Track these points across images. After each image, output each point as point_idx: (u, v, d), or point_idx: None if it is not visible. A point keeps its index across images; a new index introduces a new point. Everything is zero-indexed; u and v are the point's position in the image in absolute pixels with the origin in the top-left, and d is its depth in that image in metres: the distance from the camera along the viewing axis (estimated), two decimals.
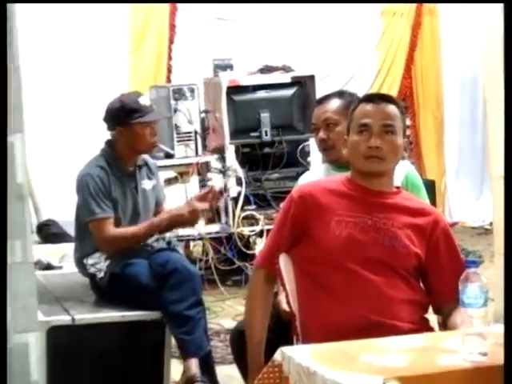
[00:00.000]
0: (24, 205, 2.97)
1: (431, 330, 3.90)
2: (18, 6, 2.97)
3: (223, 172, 8.24)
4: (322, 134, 4.70)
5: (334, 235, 3.88)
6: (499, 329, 3.33)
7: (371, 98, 4.09)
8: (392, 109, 3.95)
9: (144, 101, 5.76)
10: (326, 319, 3.84)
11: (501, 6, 7.06)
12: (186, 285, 5.33)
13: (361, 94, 5.27)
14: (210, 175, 8.26)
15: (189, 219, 5.53)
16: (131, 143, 5.60)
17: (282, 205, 4.67)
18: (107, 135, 5.92)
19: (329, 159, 4.80)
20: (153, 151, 5.86)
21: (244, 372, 4.61)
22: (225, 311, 7.17)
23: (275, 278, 4.07)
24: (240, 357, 4.66)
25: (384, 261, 3.86)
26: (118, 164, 5.57)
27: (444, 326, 3.85)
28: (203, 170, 8.26)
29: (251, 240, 8.11)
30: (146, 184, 5.69)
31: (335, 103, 4.75)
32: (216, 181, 8.25)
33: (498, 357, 3.03)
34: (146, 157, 5.88)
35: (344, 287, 3.86)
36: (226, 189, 8.21)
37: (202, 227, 7.95)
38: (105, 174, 5.47)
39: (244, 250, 8.03)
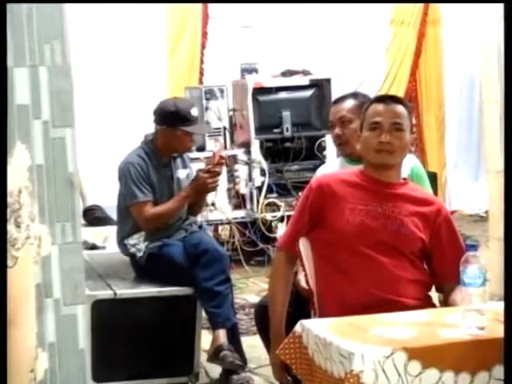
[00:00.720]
0: (73, 191, 2.96)
1: (434, 306, 3.90)
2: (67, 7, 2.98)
3: (249, 164, 8.25)
4: (337, 131, 4.71)
5: (348, 221, 3.89)
6: (495, 305, 3.34)
7: (382, 99, 4.11)
8: (401, 109, 3.97)
9: (194, 112, 5.77)
10: (340, 296, 3.84)
11: (498, 15, 7.08)
12: (215, 264, 5.35)
13: (372, 95, 5.30)
14: (236, 167, 8.27)
15: (206, 183, 5.54)
16: (171, 143, 5.64)
17: (301, 193, 4.68)
18: (145, 130, 5.95)
19: (343, 153, 4.81)
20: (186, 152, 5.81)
21: (266, 342, 4.60)
22: (249, 287, 7.17)
23: (295, 259, 4.07)
24: (263, 328, 4.66)
25: (392, 245, 3.87)
26: (155, 155, 5.59)
27: (445, 303, 3.85)
28: (231, 161, 8.25)
29: (273, 225, 8.10)
30: (180, 173, 5.72)
31: (350, 103, 4.76)
32: (241, 171, 8.28)
33: (494, 330, 3.04)
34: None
35: (356, 268, 3.87)
36: (251, 179, 8.22)
37: (229, 213, 7.98)
38: (144, 163, 5.50)
39: (267, 233, 8.04)
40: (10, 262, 1.57)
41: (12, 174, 1.53)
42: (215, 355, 5.32)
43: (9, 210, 1.56)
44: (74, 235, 2.96)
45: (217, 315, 5.34)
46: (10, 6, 2.87)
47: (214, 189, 5.80)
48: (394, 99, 4.08)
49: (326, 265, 3.98)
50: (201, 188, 5.58)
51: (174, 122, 5.55)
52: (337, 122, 4.73)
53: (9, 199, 1.54)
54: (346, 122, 4.68)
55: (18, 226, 1.58)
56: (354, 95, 4.96)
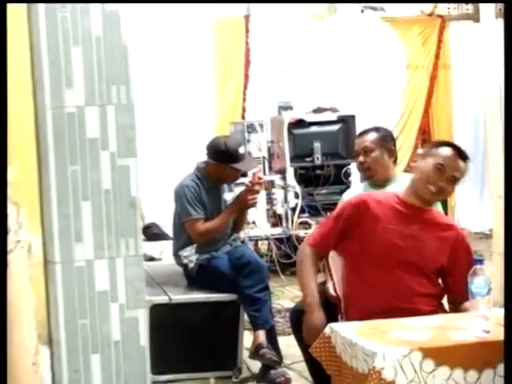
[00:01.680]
0: (136, 212, 2.99)
1: (446, 312, 3.88)
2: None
3: (284, 188, 8.24)
4: (361, 158, 4.74)
5: (380, 239, 3.85)
6: (499, 312, 3.32)
7: (456, 149, 3.96)
8: (463, 166, 3.92)
9: (242, 151, 5.79)
10: (364, 304, 3.83)
11: (499, 61, 7.07)
12: (256, 274, 5.36)
13: (390, 129, 5.35)
14: (274, 190, 8.28)
15: (247, 200, 5.56)
16: (221, 176, 5.65)
17: (339, 205, 4.65)
18: (195, 158, 5.99)
19: (365, 177, 4.85)
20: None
21: (300, 341, 4.60)
22: (284, 294, 7.14)
23: (319, 257, 4.06)
24: (297, 330, 4.65)
25: (414, 263, 3.83)
26: (206, 180, 5.61)
27: (455, 310, 3.81)
28: (269, 186, 8.28)
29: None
30: (227, 196, 5.75)
31: (372, 136, 4.79)
32: (278, 194, 8.31)
33: (498, 334, 3.01)
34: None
35: (380, 280, 3.84)
36: (286, 201, 8.22)
37: (267, 230, 7.99)
38: (197, 186, 5.54)
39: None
40: (16, 258, 1.57)
41: None
42: (256, 353, 5.33)
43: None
44: (136, 249, 2.98)
45: (257, 318, 5.35)
46: (82, 51, 2.91)
47: (253, 205, 5.80)
48: (464, 155, 3.98)
49: (354, 274, 3.95)
50: (242, 204, 5.59)
51: (224, 159, 5.55)
52: (361, 151, 4.75)
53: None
54: (369, 151, 4.71)
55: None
56: (376, 129, 5.00)
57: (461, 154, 3.93)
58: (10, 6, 3.02)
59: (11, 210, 1.58)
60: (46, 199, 2.83)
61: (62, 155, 2.89)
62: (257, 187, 5.68)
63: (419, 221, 3.90)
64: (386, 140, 4.80)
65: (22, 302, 1.70)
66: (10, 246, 1.55)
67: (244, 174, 5.89)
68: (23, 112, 3.01)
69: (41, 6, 2.86)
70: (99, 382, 2.89)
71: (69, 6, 2.87)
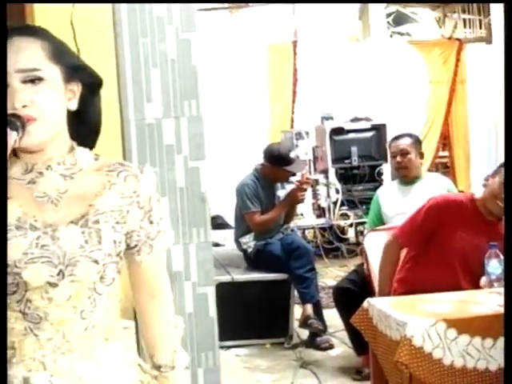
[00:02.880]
0: (205, 206, 3.00)
1: None
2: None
3: (327, 185, 8.23)
4: (398, 159, 4.72)
5: (452, 245, 3.65)
6: None
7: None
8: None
9: (292, 155, 5.85)
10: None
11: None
12: (304, 257, 5.38)
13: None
14: (318, 187, 8.28)
15: (297, 196, 5.58)
16: (275, 177, 5.72)
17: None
18: (252, 160, 6.04)
19: (401, 175, 4.79)
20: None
21: (341, 313, 4.62)
22: (328, 274, 7.13)
23: (401, 249, 3.84)
24: (339, 304, 4.69)
25: (472, 267, 3.59)
26: (263, 180, 5.65)
27: None
28: (314, 184, 8.27)
29: (345, 229, 8.10)
30: (280, 192, 5.80)
31: (407, 140, 4.80)
32: (322, 190, 8.31)
33: None
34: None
35: (440, 279, 3.61)
36: (328, 196, 8.21)
37: (313, 220, 7.99)
38: (255, 184, 5.61)
39: (340, 235, 8.02)
40: (149, 251, 1.60)
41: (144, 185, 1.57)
42: (304, 323, 5.36)
43: (143, 211, 1.59)
44: (206, 236, 2.99)
45: (305, 294, 5.37)
46: (160, 72, 2.93)
47: (302, 201, 5.85)
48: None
49: (417, 266, 3.77)
50: (293, 200, 5.61)
51: (277, 162, 5.58)
52: (398, 153, 4.73)
53: (142, 203, 1.57)
54: (405, 153, 4.70)
55: (150, 222, 1.60)
56: (410, 135, 4.99)
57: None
58: (99, 34, 3.05)
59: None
60: None
61: (144, 159, 2.90)
62: (305, 186, 5.71)
63: (488, 233, 3.58)
64: (417, 144, 4.84)
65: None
66: (152, 234, 1.61)
67: (294, 174, 5.90)
68: (111, 123, 3.01)
69: (125, 34, 2.89)
70: None
71: (149, 34, 2.89)
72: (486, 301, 3.05)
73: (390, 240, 3.84)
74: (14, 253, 1.45)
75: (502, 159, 6.81)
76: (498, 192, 3.50)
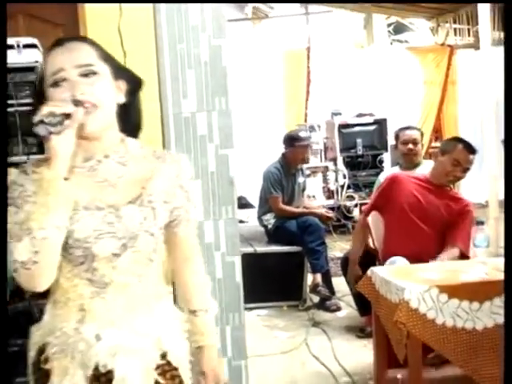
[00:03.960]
0: (233, 188, 3.00)
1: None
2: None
3: (335, 171, 8.24)
4: (410, 146, 4.77)
5: (408, 201, 3.88)
6: (494, 260, 3.28)
7: (467, 145, 3.90)
8: (473, 158, 3.92)
9: (302, 134, 5.94)
10: (395, 250, 3.80)
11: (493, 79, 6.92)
12: (316, 232, 5.39)
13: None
14: (328, 173, 8.28)
15: (320, 217, 5.64)
16: (294, 157, 5.70)
17: (379, 183, 4.74)
18: (273, 149, 6.03)
19: (408, 161, 4.81)
20: (303, 164, 5.87)
21: (346, 280, 4.62)
22: (336, 247, 7.10)
23: (367, 222, 4.14)
24: (345, 272, 4.67)
25: (431, 218, 3.86)
26: (286, 167, 5.67)
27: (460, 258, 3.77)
28: (325, 170, 8.27)
29: (350, 209, 8.07)
30: (300, 180, 5.81)
31: (417, 132, 4.93)
32: (331, 176, 8.29)
33: (494, 275, 2.99)
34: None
35: (408, 233, 3.84)
36: (337, 180, 8.21)
37: (323, 201, 7.98)
38: (278, 172, 5.63)
39: (346, 214, 8.00)
40: (187, 224, 1.66)
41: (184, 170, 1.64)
42: (314, 289, 5.39)
43: (183, 191, 1.64)
44: (233, 214, 3.00)
45: (316, 264, 5.38)
46: (194, 72, 2.93)
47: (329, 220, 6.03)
48: (473, 150, 3.93)
49: (389, 230, 3.99)
50: (316, 216, 5.64)
51: (292, 142, 5.65)
52: (411, 141, 4.78)
53: (183, 185, 1.63)
54: (417, 142, 4.79)
55: (188, 200, 1.67)
56: (416, 128, 5.13)
57: (470, 149, 3.87)
58: (143, 40, 3.04)
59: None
60: None
61: (181, 147, 2.92)
62: (327, 221, 5.92)
63: (436, 194, 3.90)
64: (421, 136, 4.91)
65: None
66: (189, 210, 1.68)
67: (307, 146, 5.89)
68: (153, 117, 3.03)
69: (165, 41, 2.89)
70: None
71: (185, 40, 2.90)
72: (473, 269, 3.04)
73: (361, 217, 4.27)
74: (83, 230, 1.47)
75: (486, 150, 6.79)
76: (449, 169, 3.79)
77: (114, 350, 1.51)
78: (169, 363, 1.57)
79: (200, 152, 2.93)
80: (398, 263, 3.64)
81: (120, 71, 1.58)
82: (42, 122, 1.36)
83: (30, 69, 3.70)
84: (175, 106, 2.91)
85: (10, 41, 3.73)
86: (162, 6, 2.89)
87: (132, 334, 1.53)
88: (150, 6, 2.94)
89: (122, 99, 1.57)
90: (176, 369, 1.59)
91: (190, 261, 1.73)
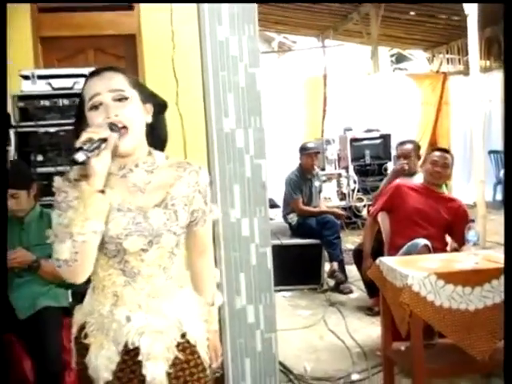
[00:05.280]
0: (265, 191, 2.99)
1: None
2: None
3: (347, 177, 8.18)
4: (402, 160, 4.64)
5: (409, 205, 3.85)
6: (483, 252, 3.23)
7: (440, 149, 4.05)
8: (448, 155, 3.89)
9: (310, 145, 5.90)
10: (400, 245, 3.76)
11: (481, 98, 6.83)
12: (333, 228, 5.39)
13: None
14: (341, 179, 8.22)
15: (334, 214, 5.63)
16: (305, 163, 5.70)
17: (381, 186, 4.79)
18: (295, 160, 6.00)
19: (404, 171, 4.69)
20: (313, 169, 5.79)
21: (358, 268, 4.59)
22: (348, 240, 7.01)
23: (376, 222, 4.06)
24: (356, 261, 4.66)
25: (431, 219, 3.82)
26: (302, 173, 5.66)
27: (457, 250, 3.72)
28: (338, 176, 8.23)
29: (359, 209, 8.00)
30: (316, 183, 5.78)
31: (410, 146, 4.74)
32: (343, 181, 8.22)
33: (484, 264, 2.94)
34: (317, 170, 6.00)
35: (410, 230, 3.79)
36: (348, 184, 8.15)
37: (337, 202, 7.93)
38: (297, 178, 5.63)
39: (357, 213, 7.94)
40: (203, 223, 1.65)
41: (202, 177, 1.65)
42: (331, 275, 5.36)
43: (201, 196, 1.62)
44: (265, 212, 2.99)
45: (333, 254, 5.36)
46: (233, 95, 2.92)
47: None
48: (446, 150, 4.00)
49: (395, 227, 3.94)
50: (330, 214, 5.63)
51: (301, 151, 5.72)
52: (403, 156, 4.67)
53: (201, 190, 1.61)
54: (408, 156, 4.63)
55: (206, 203, 1.65)
56: (411, 141, 4.95)
57: (444, 150, 4.01)
58: (191, 69, 3.06)
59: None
60: (213, 185, 2.86)
61: (222, 158, 2.91)
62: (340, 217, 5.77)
63: (433, 197, 3.88)
64: (416, 148, 4.73)
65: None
66: (206, 212, 1.66)
67: (323, 169, 5.89)
68: (199, 132, 3.06)
69: (210, 69, 2.88)
70: (244, 287, 2.93)
71: (226, 68, 2.88)
72: (466, 260, 2.99)
73: (369, 219, 4.22)
74: (116, 228, 1.48)
75: (474, 160, 6.69)
76: (431, 168, 3.86)
77: (141, 330, 1.50)
78: (188, 342, 1.56)
79: (238, 162, 2.92)
80: (420, 244, 3.61)
81: (147, 96, 1.57)
82: (81, 148, 1.35)
83: None
84: (218, 123, 2.90)
85: (82, 70, 3.78)
86: (208, 39, 2.88)
87: (156, 317, 1.52)
88: (197, 39, 2.94)
89: (150, 120, 1.56)
90: (194, 346, 1.57)
91: (204, 254, 1.69)
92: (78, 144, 1.36)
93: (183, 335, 1.55)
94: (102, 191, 1.40)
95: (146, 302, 1.52)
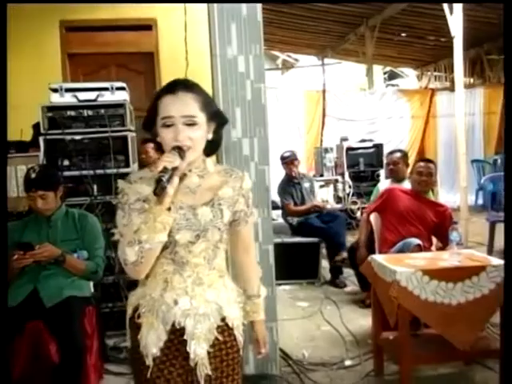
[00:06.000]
0: (268, 194, 3.00)
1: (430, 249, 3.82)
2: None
3: (343, 183, 8.14)
4: (392, 167, 4.63)
5: (400, 208, 3.84)
6: (466, 251, 3.22)
7: (425, 159, 4.11)
8: (432, 165, 3.90)
9: (286, 154, 5.76)
10: (390, 244, 3.77)
11: (464, 112, 6.80)
12: (336, 220, 5.42)
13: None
14: (338, 184, 8.19)
15: (315, 207, 5.52)
16: (286, 170, 5.67)
17: (375, 191, 4.79)
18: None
19: (393, 176, 4.67)
20: (295, 174, 5.67)
21: (353, 264, 4.57)
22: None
23: (370, 222, 4.08)
24: (351, 257, 4.64)
25: (419, 220, 3.81)
26: (289, 179, 5.64)
27: (442, 249, 3.71)
28: (335, 182, 8.19)
29: (354, 211, 7.94)
30: (305, 185, 5.72)
31: (399, 154, 4.71)
32: (340, 186, 8.19)
33: (465, 262, 2.93)
34: (303, 173, 5.96)
35: (399, 230, 3.79)
36: (344, 189, 8.10)
37: (334, 205, 7.88)
38: (285, 184, 5.61)
39: (351, 214, 7.88)
40: (245, 224, 1.64)
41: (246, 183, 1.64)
42: (342, 261, 5.19)
43: (244, 199, 1.63)
44: (268, 213, 3.00)
45: (342, 244, 5.25)
46: (240, 109, 2.91)
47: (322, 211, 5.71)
48: (430, 160, 4.03)
49: (385, 228, 3.93)
50: (316, 207, 5.55)
51: (281, 161, 5.71)
52: (391, 163, 4.65)
53: (244, 194, 1.63)
54: (396, 163, 4.61)
55: (248, 205, 1.66)
56: (400, 151, 4.91)
57: (427, 160, 4.02)
58: (203, 85, 3.07)
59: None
60: None
61: (229, 164, 2.90)
62: (317, 208, 5.59)
63: (420, 201, 3.87)
64: (404, 157, 4.71)
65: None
66: (248, 213, 1.65)
67: (321, 175, 5.82)
68: None
69: (220, 84, 2.89)
70: None
71: (234, 84, 2.89)
72: (449, 258, 2.99)
73: (364, 216, 4.21)
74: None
75: (458, 169, 6.66)
76: (417, 177, 3.87)
77: (187, 313, 1.54)
78: (226, 325, 1.59)
79: (244, 167, 2.92)
80: (413, 243, 3.61)
81: (213, 115, 1.57)
82: (161, 180, 1.38)
83: (120, 105, 3.74)
84: (226, 133, 2.89)
85: (106, 84, 3.80)
86: (218, 57, 2.88)
87: (200, 302, 1.55)
88: (208, 57, 2.95)
89: (210, 137, 1.57)
90: (232, 329, 1.60)
91: (248, 251, 1.71)
92: (157, 175, 1.39)
93: (223, 319, 1.58)
94: (169, 208, 1.45)
95: (191, 288, 1.55)
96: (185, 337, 1.54)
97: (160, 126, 1.51)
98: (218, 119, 1.60)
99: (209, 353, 1.56)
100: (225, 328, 1.59)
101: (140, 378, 1.57)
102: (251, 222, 1.68)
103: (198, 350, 1.54)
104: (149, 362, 1.54)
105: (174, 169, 1.43)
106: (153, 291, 1.56)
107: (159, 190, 1.39)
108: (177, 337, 1.55)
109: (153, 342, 1.54)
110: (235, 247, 1.69)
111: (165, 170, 1.41)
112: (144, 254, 1.43)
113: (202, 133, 1.52)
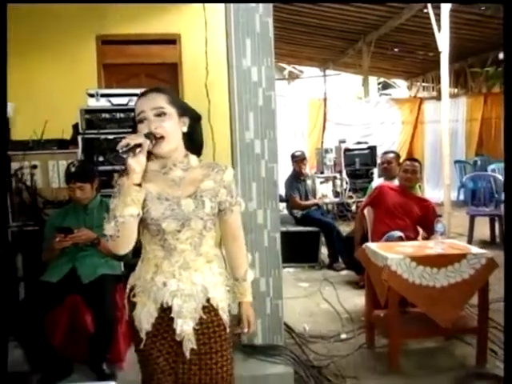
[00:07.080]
0: (276, 188, 2.96)
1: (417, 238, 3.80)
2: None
3: (341, 180, 8.11)
4: (386, 166, 4.56)
5: (389, 202, 3.81)
6: (449, 241, 3.20)
7: (410, 159, 4.07)
8: (417, 163, 3.86)
9: (297, 153, 5.72)
10: (381, 234, 3.74)
11: (448, 119, 6.72)
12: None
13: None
14: (336, 181, 8.16)
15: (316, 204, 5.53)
16: (296, 167, 5.62)
17: (369, 189, 4.71)
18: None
19: (386, 174, 4.60)
20: (303, 171, 5.64)
21: (347, 251, 4.55)
22: (341, 229, 7.00)
23: (364, 215, 4.03)
24: (347, 245, 4.61)
25: (406, 213, 3.78)
26: (296, 176, 5.61)
27: (427, 239, 3.68)
28: (334, 178, 8.16)
29: (350, 204, 7.91)
30: (309, 183, 5.70)
31: (392, 155, 4.65)
32: (337, 182, 8.14)
33: (448, 251, 2.91)
34: (308, 172, 5.92)
35: (389, 222, 3.77)
36: (341, 185, 8.06)
37: (332, 199, 7.85)
38: (292, 179, 5.57)
39: (347, 208, 7.87)
40: (231, 213, 1.62)
41: (227, 175, 1.62)
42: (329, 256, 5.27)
43: (226, 190, 1.59)
44: (276, 205, 2.95)
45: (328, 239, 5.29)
46: (253, 113, 2.88)
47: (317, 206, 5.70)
48: (415, 159, 4.00)
49: (377, 220, 3.91)
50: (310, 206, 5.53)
51: (291, 158, 5.68)
52: (386, 162, 4.58)
53: (226, 185, 1.59)
54: (390, 162, 4.54)
55: (231, 196, 1.61)
56: (393, 152, 4.86)
57: (413, 159, 4.01)
58: (221, 93, 3.02)
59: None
60: (235, 182, 2.81)
61: (243, 161, 2.88)
62: (318, 204, 5.61)
63: (408, 196, 3.85)
64: (397, 157, 4.66)
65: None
66: (232, 203, 1.61)
67: (322, 172, 5.78)
68: (226, 142, 3.05)
69: (235, 92, 2.86)
70: (258, 263, 2.90)
71: (248, 92, 2.86)
72: (434, 246, 2.98)
73: (359, 212, 4.16)
74: (156, 213, 1.52)
75: (443, 167, 6.59)
76: (403, 174, 3.84)
77: (174, 294, 1.53)
78: (212, 305, 1.57)
79: (256, 165, 2.89)
80: (396, 235, 3.59)
81: (184, 110, 1.57)
82: (117, 151, 1.39)
83: None
84: (241, 135, 2.88)
85: (135, 91, 3.79)
86: (234, 68, 2.86)
87: (187, 284, 1.54)
88: (225, 68, 2.93)
89: (185, 129, 1.56)
90: (216, 309, 1.58)
91: (236, 239, 1.67)
92: (117, 147, 1.40)
93: (208, 300, 1.56)
94: (139, 184, 1.43)
95: (178, 272, 1.54)
96: (172, 315, 1.53)
97: (137, 123, 1.52)
98: (189, 114, 1.58)
99: (196, 330, 1.54)
100: (211, 308, 1.57)
101: (137, 347, 1.58)
102: (237, 211, 1.63)
103: (185, 326, 1.52)
104: (142, 335, 1.54)
105: (137, 146, 1.41)
106: (146, 274, 1.56)
107: (114, 157, 1.38)
108: (166, 314, 1.54)
109: (145, 318, 1.54)
110: (225, 236, 1.66)
111: (127, 145, 1.40)
112: (119, 227, 1.41)
113: (172, 124, 1.51)
